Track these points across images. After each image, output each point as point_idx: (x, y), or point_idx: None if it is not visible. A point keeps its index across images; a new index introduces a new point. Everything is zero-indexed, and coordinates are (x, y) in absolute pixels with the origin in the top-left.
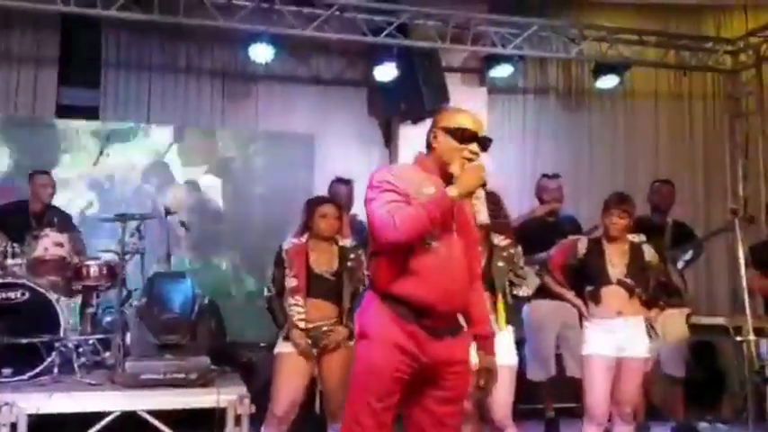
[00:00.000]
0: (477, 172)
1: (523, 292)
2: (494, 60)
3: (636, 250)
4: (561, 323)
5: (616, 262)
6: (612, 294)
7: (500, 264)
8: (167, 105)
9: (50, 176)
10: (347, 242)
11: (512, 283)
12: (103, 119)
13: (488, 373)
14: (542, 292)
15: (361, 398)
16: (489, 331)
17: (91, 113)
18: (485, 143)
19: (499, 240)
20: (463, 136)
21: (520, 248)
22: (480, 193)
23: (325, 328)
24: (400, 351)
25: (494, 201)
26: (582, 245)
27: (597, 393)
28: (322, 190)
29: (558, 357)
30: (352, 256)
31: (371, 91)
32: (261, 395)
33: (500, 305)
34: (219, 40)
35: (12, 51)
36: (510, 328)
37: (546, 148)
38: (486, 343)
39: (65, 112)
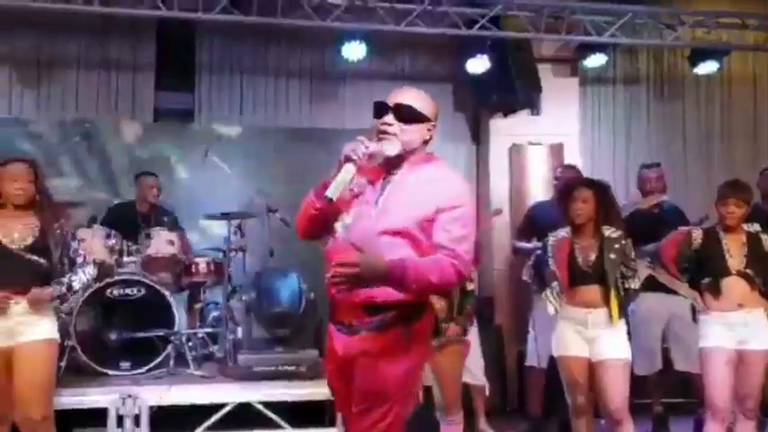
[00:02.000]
0: (346, 147)
1: (634, 284)
2: (588, 50)
3: (753, 240)
4: (668, 316)
5: (734, 253)
6: (732, 286)
7: (612, 256)
8: (258, 107)
9: (156, 178)
10: None
11: (623, 276)
12: (198, 121)
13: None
14: (648, 284)
15: None
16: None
17: (187, 116)
18: (381, 110)
19: (610, 232)
20: (374, 110)
21: (630, 241)
22: (349, 168)
23: (440, 326)
24: (328, 353)
25: (604, 191)
26: (696, 236)
27: (720, 388)
28: None
29: (665, 351)
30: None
31: (457, 86)
32: None
33: (613, 298)
34: (308, 40)
35: (111, 57)
36: (623, 322)
37: (638, 139)
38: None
39: (162, 115)
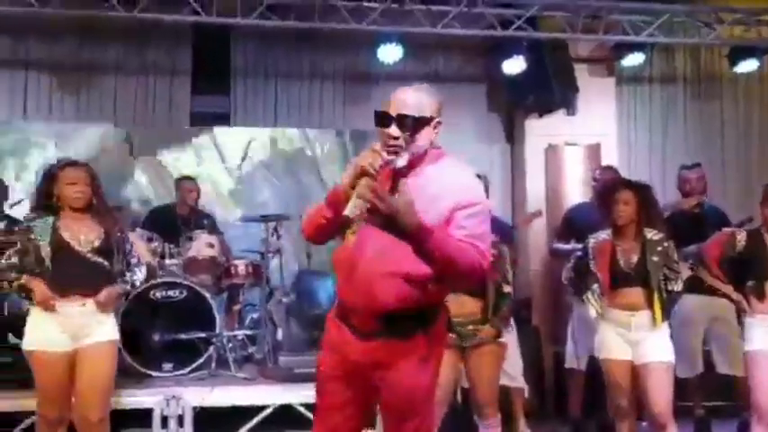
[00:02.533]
0: (360, 159)
1: (677, 286)
2: (625, 49)
3: None
4: (710, 318)
5: None
6: None
7: (654, 258)
8: (293, 110)
9: (195, 182)
10: None
11: (666, 278)
12: (234, 125)
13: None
14: (689, 285)
15: (314, 406)
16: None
17: (222, 120)
18: (384, 119)
19: (652, 235)
20: (378, 119)
21: (672, 242)
22: (364, 182)
23: (470, 327)
24: (331, 349)
25: (646, 192)
26: (741, 237)
27: (766, 392)
28: None
29: (706, 353)
30: (493, 251)
31: (491, 86)
32: None
33: (656, 301)
34: (342, 43)
35: (148, 63)
36: (666, 325)
37: (675, 138)
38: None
39: (198, 120)
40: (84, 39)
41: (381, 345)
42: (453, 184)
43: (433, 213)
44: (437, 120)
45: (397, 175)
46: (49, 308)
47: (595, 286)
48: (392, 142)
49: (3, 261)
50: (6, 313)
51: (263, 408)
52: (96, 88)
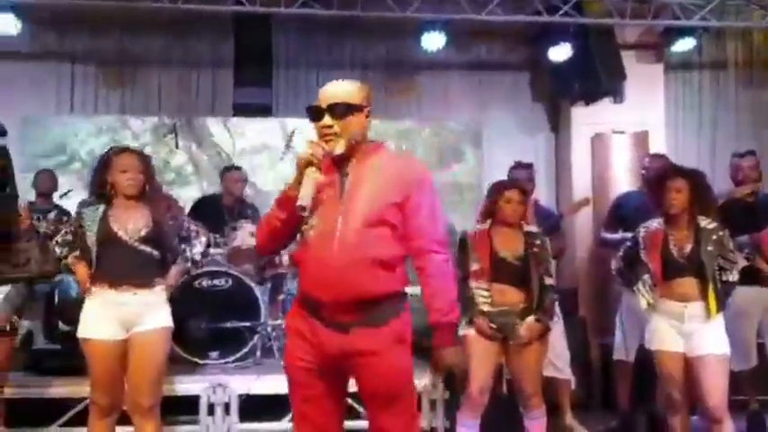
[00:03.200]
0: (302, 153)
1: (733, 276)
2: (675, 34)
3: None
4: (764, 309)
5: None
6: None
7: (709, 248)
8: None
9: (242, 172)
10: (532, 228)
11: (721, 268)
12: (276, 116)
13: (441, 368)
14: (743, 276)
15: (289, 397)
16: (434, 319)
17: (264, 111)
18: (317, 113)
19: (706, 223)
20: (310, 115)
21: (727, 231)
22: (311, 174)
23: (512, 318)
24: (302, 340)
25: (699, 180)
26: None
27: None
28: (488, 177)
29: (761, 346)
30: (537, 242)
31: (535, 74)
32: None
33: (711, 292)
34: (384, 32)
35: (190, 55)
36: (721, 316)
37: (725, 126)
38: (433, 333)
39: (240, 111)
40: (128, 32)
41: (359, 334)
42: (402, 171)
43: (387, 199)
44: (368, 108)
45: (339, 162)
46: (86, 292)
47: (646, 276)
48: (327, 131)
49: (58, 237)
50: (57, 300)
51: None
52: (140, 81)
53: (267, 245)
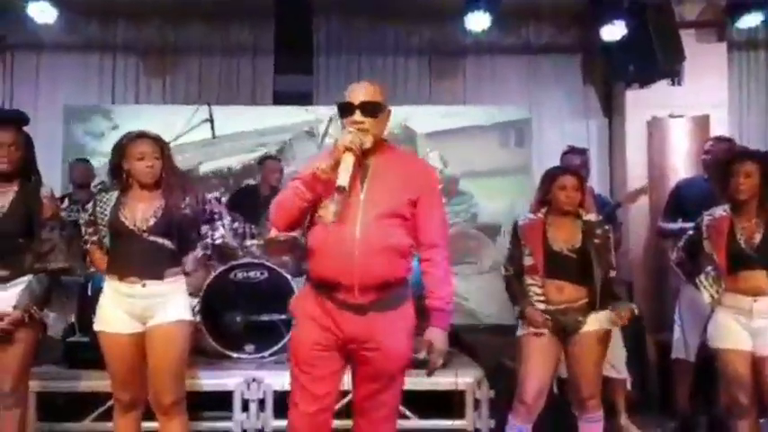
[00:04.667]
0: (341, 138)
1: None
2: (740, 9)
3: None
4: None
5: None
6: None
7: None
8: None
9: (279, 162)
10: (592, 217)
11: None
12: (317, 104)
13: (429, 346)
14: None
15: (291, 371)
16: (436, 304)
17: (305, 99)
18: (346, 109)
19: None
20: (341, 110)
21: None
22: (349, 158)
23: (573, 315)
24: (317, 324)
25: None
26: None
27: None
28: (538, 164)
29: None
30: (597, 232)
31: (586, 57)
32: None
33: None
34: (427, 15)
35: (231, 42)
36: None
37: None
38: (432, 315)
39: (281, 99)
40: (169, 21)
41: (376, 317)
42: (417, 170)
43: (404, 195)
44: (389, 109)
45: (364, 155)
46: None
47: (710, 269)
48: (360, 127)
49: (83, 215)
50: (89, 293)
51: (345, 393)
52: (181, 70)
53: (288, 224)
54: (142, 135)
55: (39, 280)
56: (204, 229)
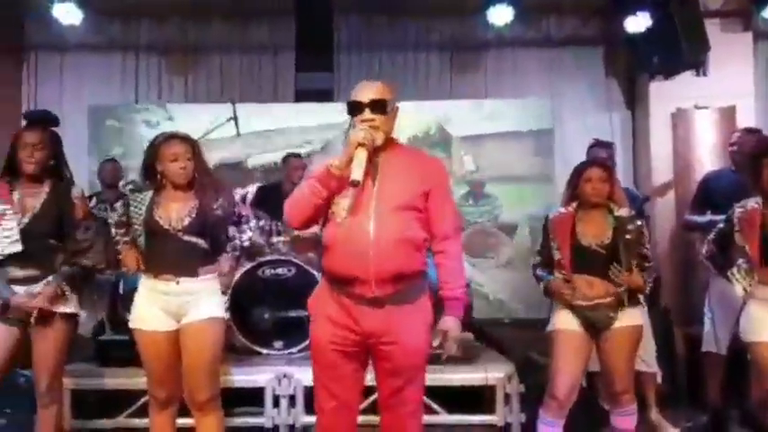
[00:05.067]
0: (353, 135)
1: None
2: None
3: None
4: None
5: None
6: None
7: None
8: (397, 82)
9: (302, 159)
10: (624, 212)
11: None
12: (338, 101)
13: (442, 334)
14: None
15: (313, 373)
16: (451, 294)
17: (326, 96)
18: (356, 107)
19: None
20: (350, 109)
21: None
22: (362, 154)
23: (604, 311)
24: (332, 323)
25: None
26: None
27: None
28: (561, 160)
29: None
30: (630, 227)
31: (609, 49)
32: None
33: None
34: (447, 10)
35: (252, 40)
36: None
37: None
38: (447, 305)
39: (302, 96)
40: (190, 20)
41: (394, 310)
42: (427, 165)
43: (416, 188)
44: (396, 106)
45: (375, 152)
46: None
47: (742, 261)
48: (371, 125)
49: (114, 216)
50: (122, 291)
51: (374, 389)
52: (203, 68)
53: (304, 222)
54: (174, 136)
55: (69, 267)
56: (231, 231)
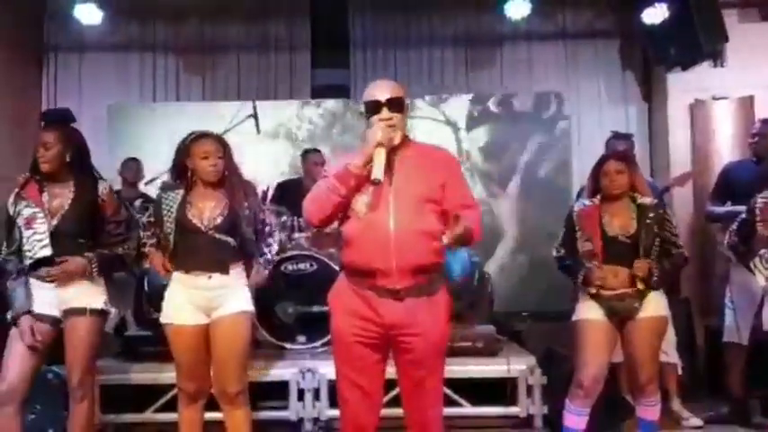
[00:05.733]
0: (371, 134)
1: None
2: None
3: None
4: None
5: None
6: None
7: None
8: (413, 78)
9: (321, 154)
10: (646, 200)
11: None
12: (355, 98)
13: (456, 217)
14: None
15: (336, 365)
16: (467, 224)
17: (343, 93)
18: (374, 106)
19: None
20: (368, 109)
21: None
22: (381, 153)
23: (628, 301)
24: (355, 316)
25: None
26: None
27: None
28: (577, 153)
29: None
30: (651, 215)
31: (625, 41)
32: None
33: None
34: (461, 6)
35: (268, 39)
36: None
37: None
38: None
39: (319, 93)
40: (207, 19)
41: (414, 302)
42: (441, 157)
43: (434, 181)
44: (407, 104)
45: (392, 150)
46: (164, 276)
47: (764, 251)
48: (389, 123)
49: (143, 219)
50: (147, 287)
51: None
52: (220, 67)
53: (326, 218)
54: (205, 135)
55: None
56: (263, 245)
